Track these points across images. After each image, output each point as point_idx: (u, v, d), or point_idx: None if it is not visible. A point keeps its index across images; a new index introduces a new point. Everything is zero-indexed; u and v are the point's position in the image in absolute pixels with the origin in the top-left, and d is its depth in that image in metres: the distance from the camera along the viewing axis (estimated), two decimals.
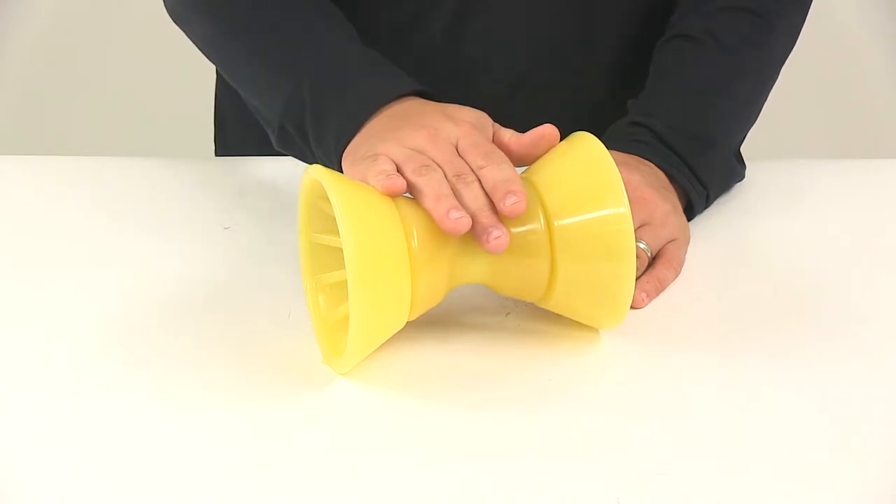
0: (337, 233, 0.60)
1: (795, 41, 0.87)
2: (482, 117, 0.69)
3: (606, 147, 0.65)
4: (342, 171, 0.70)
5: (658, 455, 0.58)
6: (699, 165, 0.79)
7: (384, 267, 0.60)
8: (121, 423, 0.61)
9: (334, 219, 0.60)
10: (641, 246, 0.72)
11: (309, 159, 0.77)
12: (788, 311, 0.71)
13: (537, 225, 0.63)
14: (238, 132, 1.01)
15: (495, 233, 0.60)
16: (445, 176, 0.63)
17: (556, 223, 0.63)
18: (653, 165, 0.78)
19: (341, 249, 0.59)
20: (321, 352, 0.66)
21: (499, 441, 0.59)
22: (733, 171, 0.85)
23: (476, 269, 0.64)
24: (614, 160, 0.64)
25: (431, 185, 0.62)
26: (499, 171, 0.63)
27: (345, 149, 0.70)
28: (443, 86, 0.91)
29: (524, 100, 0.90)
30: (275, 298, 0.71)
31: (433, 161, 0.64)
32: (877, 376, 0.65)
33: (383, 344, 0.66)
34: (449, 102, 0.72)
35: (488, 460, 0.58)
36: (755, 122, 0.86)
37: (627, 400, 0.63)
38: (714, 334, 0.69)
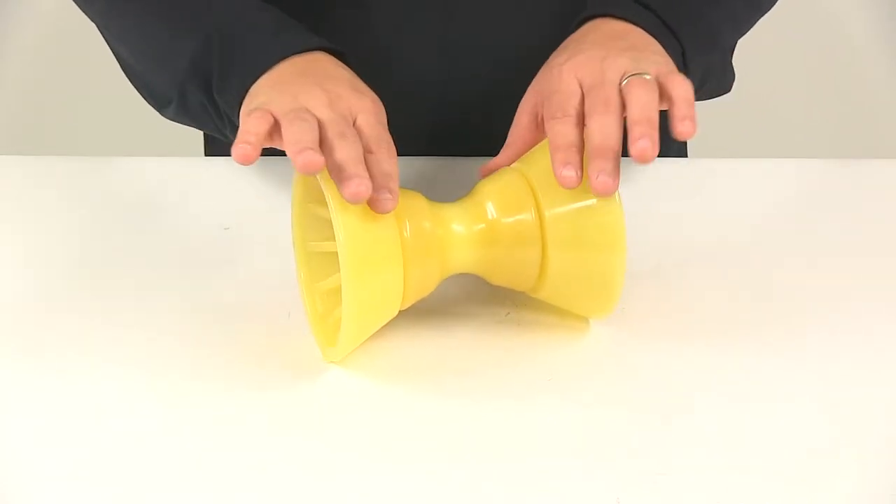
0: (332, 238, 0.60)
1: None
2: (381, 107, 0.66)
3: (573, 28, 0.64)
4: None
5: (658, 455, 0.58)
6: (670, 15, 0.72)
7: (376, 255, 0.60)
8: (120, 423, 0.61)
9: (328, 224, 0.60)
10: (646, 77, 0.63)
11: (207, 125, 0.75)
12: (788, 310, 0.71)
13: (528, 215, 0.64)
14: None
15: (356, 182, 0.58)
16: (324, 131, 0.61)
17: (547, 213, 0.63)
18: (611, 18, 0.72)
19: (335, 255, 0.59)
20: (320, 350, 0.66)
21: (497, 440, 0.60)
22: (715, 42, 0.77)
23: (468, 259, 0.65)
24: (582, 34, 0.65)
25: (294, 132, 0.59)
26: (385, 163, 0.61)
27: (248, 91, 0.68)
28: (423, 99, 0.90)
29: (509, 113, 0.89)
30: (275, 298, 0.71)
31: (317, 118, 0.61)
32: (877, 376, 0.65)
33: (383, 341, 0.66)
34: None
35: (487, 459, 0.58)
36: (741, 29, 0.82)
37: (627, 399, 0.63)
38: (713, 334, 0.69)
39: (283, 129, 0.61)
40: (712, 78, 0.78)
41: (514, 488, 0.56)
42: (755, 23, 0.84)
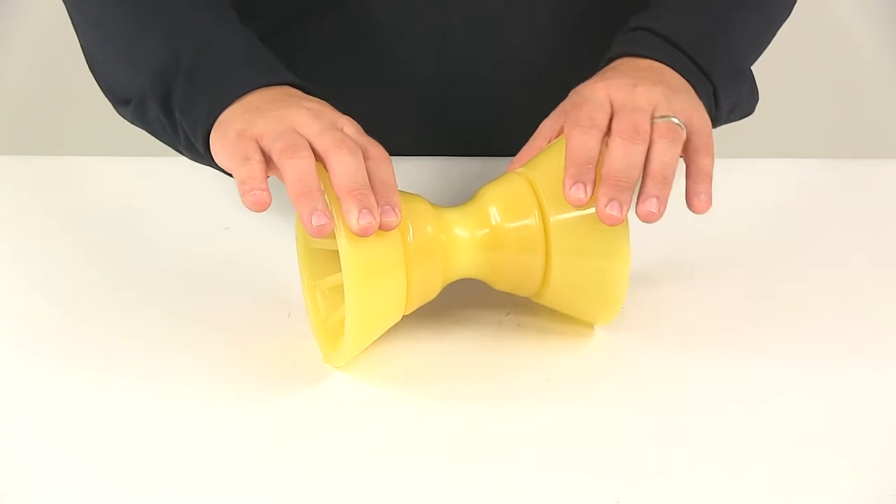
0: (334, 236, 0.60)
1: None
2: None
3: (600, 63, 0.63)
4: (208, 142, 0.66)
5: (658, 455, 0.58)
6: (701, 55, 0.72)
7: (380, 261, 0.60)
8: (120, 423, 0.61)
9: None
10: (675, 121, 0.63)
11: (160, 136, 0.73)
12: (787, 310, 0.71)
13: (532, 220, 0.63)
14: None
15: (365, 216, 0.58)
16: (319, 142, 0.60)
17: (551, 219, 0.63)
18: (646, 60, 0.71)
19: (338, 253, 0.59)
20: (320, 351, 0.66)
21: (497, 439, 0.60)
22: (742, 74, 0.76)
23: (471, 264, 0.65)
24: (612, 68, 0.64)
25: (295, 172, 0.59)
26: (384, 172, 0.61)
27: (217, 117, 0.66)
28: (422, 103, 0.90)
29: (508, 118, 0.89)
30: (275, 298, 0.71)
31: (307, 137, 0.61)
32: (876, 376, 0.65)
33: (383, 342, 0.66)
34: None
35: (487, 459, 0.58)
36: (761, 50, 0.82)
37: (626, 399, 0.63)
38: (713, 333, 0.69)
39: (280, 164, 0.60)
40: (740, 105, 0.78)
41: (513, 488, 0.56)
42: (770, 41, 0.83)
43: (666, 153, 0.62)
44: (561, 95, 0.89)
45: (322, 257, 0.69)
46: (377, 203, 0.59)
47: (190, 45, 0.70)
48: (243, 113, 0.65)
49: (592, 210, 0.62)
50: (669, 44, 0.71)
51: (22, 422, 0.61)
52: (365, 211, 0.58)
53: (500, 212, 0.64)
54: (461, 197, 0.67)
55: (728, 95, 0.74)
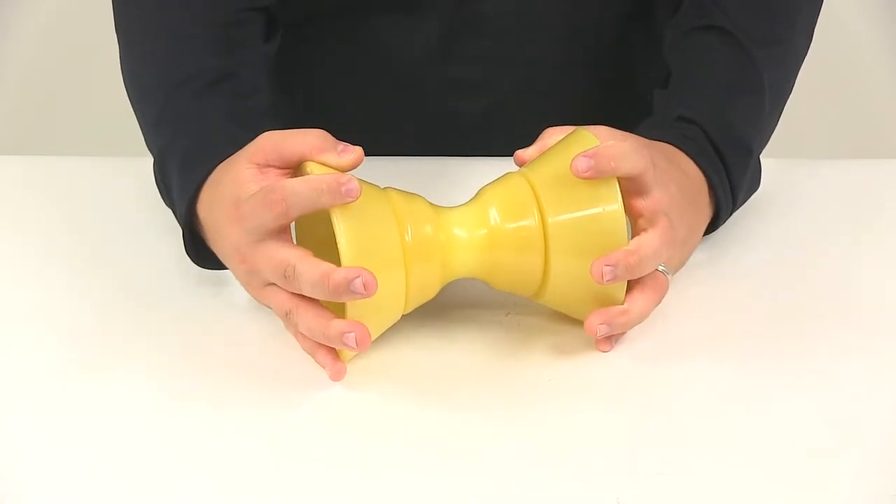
0: (333, 234, 0.60)
1: (811, 39, 0.85)
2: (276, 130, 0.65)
3: (651, 135, 0.64)
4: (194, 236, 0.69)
5: (658, 455, 0.58)
6: (737, 175, 0.75)
7: (378, 260, 0.60)
8: (121, 423, 0.61)
9: (328, 218, 0.60)
10: (660, 269, 0.66)
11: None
12: (787, 311, 0.71)
13: (531, 221, 0.63)
14: None
15: (348, 190, 0.59)
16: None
17: (550, 219, 0.63)
18: (696, 169, 0.72)
19: (337, 252, 0.59)
20: None
21: (498, 439, 0.60)
22: (754, 183, 0.79)
23: (470, 264, 0.65)
24: (663, 151, 0.64)
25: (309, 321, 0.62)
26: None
27: (190, 224, 0.69)
28: (423, 105, 0.91)
29: (509, 120, 0.89)
30: None
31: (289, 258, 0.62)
32: (877, 377, 0.65)
33: (382, 341, 0.66)
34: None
35: (487, 459, 0.58)
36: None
37: (627, 399, 0.63)
38: (713, 334, 0.69)
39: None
40: (746, 198, 0.79)
41: (513, 488, 0.56)
42: None
43: (645, 302, 0.66)
44: (562, 98, 0.89)
45: (322, 256, 0.68)
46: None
47: (156, 151, 0.74)
48: (235, 266, 0.66)
49: (591, 211, 0.63)
50: (718, 155, 0.74)
51: (22, 422, 0.61)
52: (345, 188, 0.59)
53: (499, 212, 0.64)
54: (461, 197, 0.67)
55: (738, 208, 0.77)
